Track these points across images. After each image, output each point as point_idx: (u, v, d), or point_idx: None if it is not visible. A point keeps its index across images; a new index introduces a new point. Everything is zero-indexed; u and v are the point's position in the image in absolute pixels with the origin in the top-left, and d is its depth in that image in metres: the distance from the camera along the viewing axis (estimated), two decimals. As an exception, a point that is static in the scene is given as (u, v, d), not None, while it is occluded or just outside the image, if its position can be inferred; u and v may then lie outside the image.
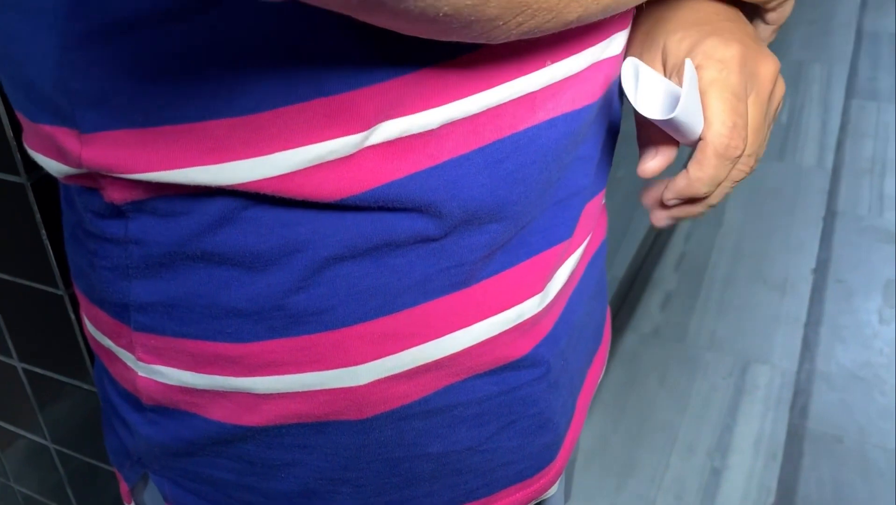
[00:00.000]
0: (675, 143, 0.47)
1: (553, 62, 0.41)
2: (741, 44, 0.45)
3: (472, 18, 0.30)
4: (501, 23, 0.31)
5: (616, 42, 0.45)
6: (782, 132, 2.76)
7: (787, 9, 0.51)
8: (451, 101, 0.38)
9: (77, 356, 0.81)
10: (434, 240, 0.42)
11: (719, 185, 0.46)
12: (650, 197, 0.50)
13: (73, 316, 0.78)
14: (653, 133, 0.47)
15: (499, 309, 0.46)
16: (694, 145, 0.45)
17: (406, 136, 0.38)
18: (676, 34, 0.46)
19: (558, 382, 0.51)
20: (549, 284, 0.48)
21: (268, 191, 0.38)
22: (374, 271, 0.41)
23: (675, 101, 0.43)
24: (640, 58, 0.48)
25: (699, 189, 0.46)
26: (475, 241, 0.43)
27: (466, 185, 0.41)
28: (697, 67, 0.44)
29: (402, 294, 0.42)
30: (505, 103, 0.40)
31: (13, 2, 0.37)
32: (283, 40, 0.35)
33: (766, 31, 0.53)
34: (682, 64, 0.45)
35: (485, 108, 0.40)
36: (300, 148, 0.37)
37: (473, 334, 0.45)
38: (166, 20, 0.34)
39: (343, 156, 0.37)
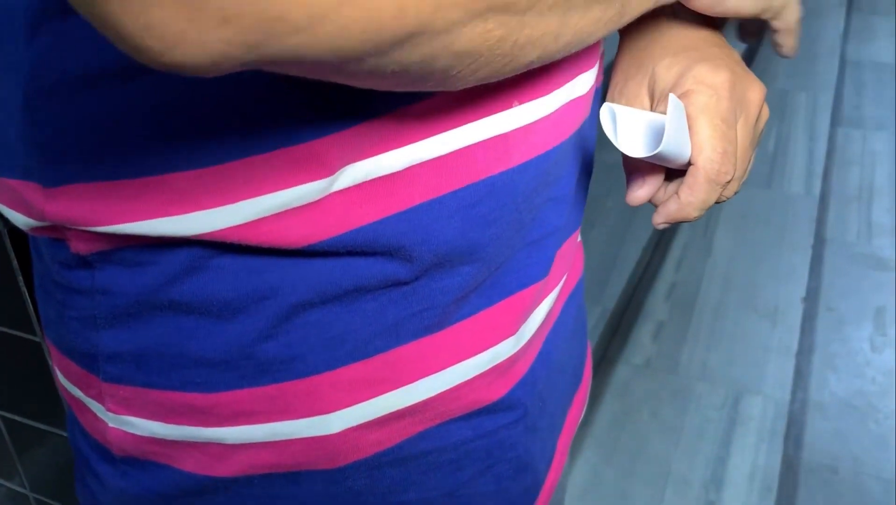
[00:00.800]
0: (662, 169, 0.47)
1: (520, 103, 0.41)
2: (730, 70, 0.45)
3: (424, 73, 0.30)
4: (455, 72, 0.31)
5: (582, 82, 0.46)
6: (769, 160, 2.78)
7: (788, 15, 0.50)
8: (415, 142, 0.38)
9: (55, 403, 0.80)
10: (405, 283, 0.41)
11: (707, 208, 0.46)
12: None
13: (51, 363, 0.77)
14: (638, 161, 0.47)
15: (472, 352, 0.45)
16: (684, 168, 0.45)
17: (372, 179, 0.38)
18: (664, 60, 0.47)
19: (536, 424, 0.50)
20: (523, 326, 0.48)
21: (234, 239, 0.37)
22: (345, 317, 0.41)
23: (658, 133, 0.43)
24: (627, 84, 0.48)
25: (690, 213, 0.45)
26: (447, 283, 0.43)
27: (438, 229, 0.41)
28: (688, 93, 0.44)
29: (374, 339, 0.42)
30: (474, 145, 0.40)
31: None
32: (245, 95, 0.35)
33: (780, 36, 0.52)
34: (674, 90, 0.45)
35: (453, 150, 0.40)
36: (265, 196, 0.36)
37: (447, 378, 0.45)
38: (129, 76, 0.34)
39: (309, 202, 0.37)
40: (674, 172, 0.47)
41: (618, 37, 0.51)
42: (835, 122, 3.06)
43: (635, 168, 0.48)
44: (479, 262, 0.43)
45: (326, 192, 0.37)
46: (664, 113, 0.44)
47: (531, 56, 0.33)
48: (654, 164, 0.47)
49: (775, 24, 0.50)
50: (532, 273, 0.47)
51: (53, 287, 0.44)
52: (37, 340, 0.76)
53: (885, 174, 2.73)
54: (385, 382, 0.43)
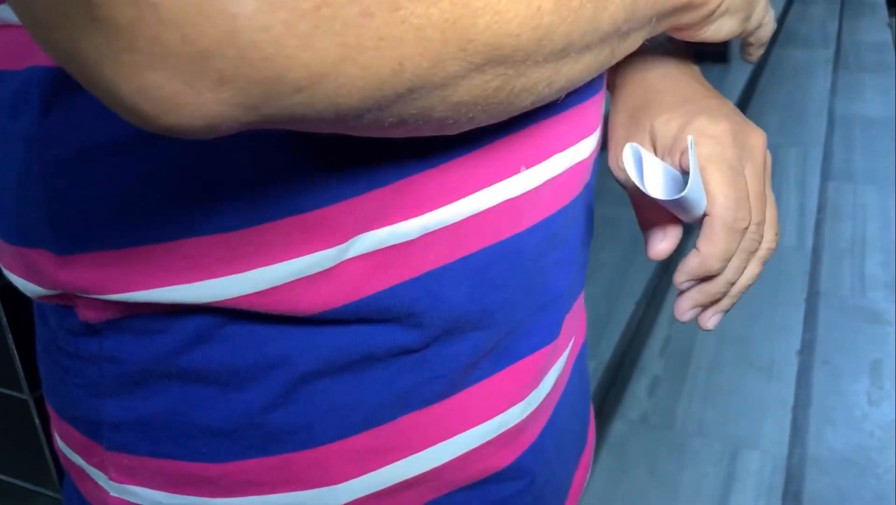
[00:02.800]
0: (680, 221, 0.47)
1: (527, 167, 0.42)
2: (728, 119, 0.46)
3: (420, 122, 0.29)
4: (451, 121, 0.31)
5: (585, 146, 0.46)
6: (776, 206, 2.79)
7: (762, 33, 0.51)
8: (429, 211, 0.38)
9: (42, 463, 0.79)
10: (415, 351, 0.41)
11: (730, 259, 0.45)
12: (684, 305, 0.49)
13: (38, 421, 0.76)
14: (655, 215, 0.47)
15: (481, 419, 0.45)
16: (697, 222, 0.45)
17: (386, 247, 0.38)
18: (662, 116, 0.47)
19: (543, 491, 0.50)
20: (533, 392, 0.47)
21: (245, 306, 0.37)
22: (354, 386, 0.41)
23: (676, 181, 0.43)
24: (629, 141, 0.48)
25: (713, 265, 0.45)
26: (458, 350, 0.42)
27: (449, 295, 0.40)
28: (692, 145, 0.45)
29: (384, 408, 0.41)
30: (484, 211, 0.40)
31: None
32: (256, 160, 0.35)
33: (751, 48, 0.53)
34: (676, 144, 0.45)
35: (465, 217, 0.40)
36: (277, 264, 0.36)
37: (455, 446, 0.44)
38: (142, 144, 0.34)
39: (321, 270, 0.37)
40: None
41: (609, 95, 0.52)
42: (825, 176, 3.10)
43: (652, 222, 0.47)
44: (490, 327, 0.43)
45: (339, 260, 0.37)
46: (674, 166, 0.44)
47: (525, 102, 0.33)
48: (671, 217, 0.46)
49: (750, 39, 0.51)
50: (542, 337, 0.47)
51: (58, 353, 0.44)
52: (24, 397, 0.75)
53: (876, 227, 2.75)
54: (393, 450, 0.42)
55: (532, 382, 0.47)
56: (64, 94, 0.35)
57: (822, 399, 1.98)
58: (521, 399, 0.46)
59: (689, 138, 0.42)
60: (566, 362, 0.51)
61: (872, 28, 5.10)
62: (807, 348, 2.17)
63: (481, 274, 0.41)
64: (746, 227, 0.45)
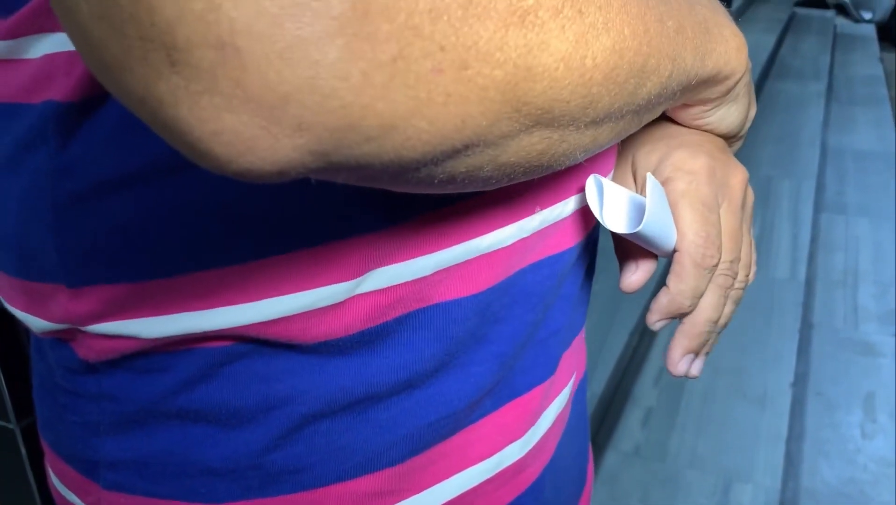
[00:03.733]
0: (654, 255, 0.47)
1: (542, 209, 0.42)
2: (709, 155, 0.46)
3: (467, 181, 0.30)
4: (495, 181, 0.32)
5: None
6: (754, 246, 2.80)
7: (746, 127, 0.52)
8: (444, 248, 0.39)
9: (27, 493, 0.78)
10: (416, 388, 0.41)
11: (700, 296, 0.46)
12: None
13: (24, 451, 0.76)
14: (631, 246, 0.47)
15: (480, 457, 0.45)
16: (669, 256, 0.45)
17: (399, 284, 0.38)
18: (644, 147, 0.47)
19: (542, 532, 0.50)
20: (531, 429, 0.47)
21: (255, 335, 0.37)
22: (355, 428, 0.40)
23: (641, 213, 0.43)
24: (613, 172, 0.48)
25: (682, 302, 0.45)
26: (459, 387, 0.42)
27: (454, 329, 0.40)
28: (668, 179, 0.45)
29: (384, 451, 0.41)
30: (498, 250, 0.41)
31: (4, 161, 0.38)
32: (271, 194, 0.35)
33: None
34: (655, 177, 0.45)
35: (479, 254, 0.40)
36: (289, 295, 0.36)
37: (455, 485, 0.44)
38: (157, 178, 0.34)
39: (334, 303, 0.37)
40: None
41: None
42: (818, 207, 3.12)
43: (627, 254, 0.48)
44: (492, 361, 0.43)
45: (352, 294, 0.37)
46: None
47: (560, 167, 0.34)
48: (646, 250, 0.47)
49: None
50: (538, 374, 0.47)
51: (56, 390, 0.44)
52: (10, 427, 0.75)
53: (868, 259, 2.76)
54: (393, 493, 0.42)
55: (530, 419, 0.47)
56: (81, 128, 0.35)
57: (815, 431, 1.98)
58: (520, 436, 0.46)
59: (648, 175, 0.42)
60: (567, 400, 0.51)
61: (864, 62, 5.16)
62: (800, 380, 2.17)
63: (486, 308, 0.41)
64: (716, 265, 0.45)
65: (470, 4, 0.24)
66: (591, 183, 0.42)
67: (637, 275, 0.47)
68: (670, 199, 0.44)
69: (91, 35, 0.22)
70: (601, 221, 0.42)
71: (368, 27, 0.22)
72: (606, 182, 0.43)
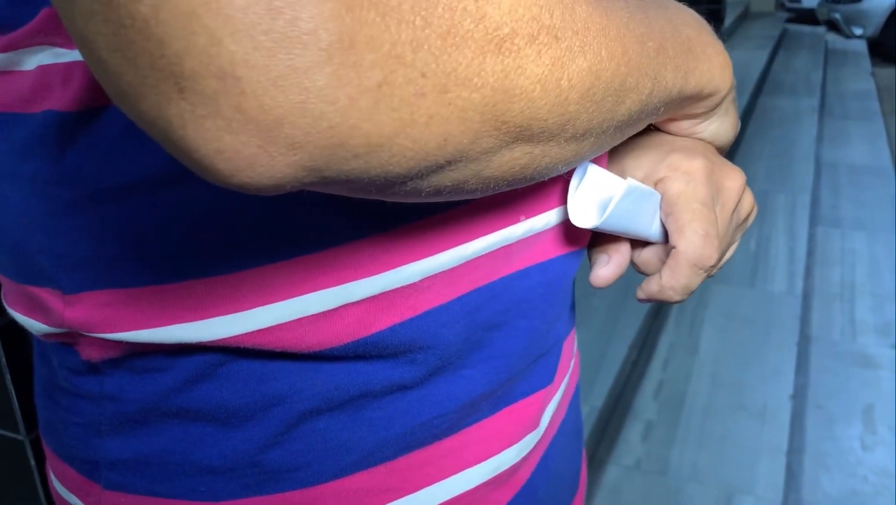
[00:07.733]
0: (627, 249, 0.47)
1: (527, 217, 0.43)
2: (705, 157, 0.46)
3: (452, 193, 0.31)
4: (479, 193, 0.33)
5: None
6: (751, 260, 2.81)
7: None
8: (430, 255, 0.39)
9: (36, 504, 0.78)
10: (410, 389, 0.42)
11: (691, 293, 0.46)
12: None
13: (33, 463, 0.76)
14: (602, 237, 0.48)
15: (477, 460, 0.45)
16: (650, 242, 0.45)
17: (388, 291, 0.39)
18: (634, 151, 0.48)
19: (536, 533, 0.50)
20: (530, 434, 0.48)
21: (248, 345, 0.38)
22: (350, 425, 0.41)
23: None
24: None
25: (671, 296, 0.46)
26: (451, 389, 0.43)
27: (444, 334, 0.41)
28: (663, 179, 0.45)
29: (380, 449, 0.42)
30: (482, 256, 0.41)
31: (3, 168, 0.38)
32: (262, 204, 0.36)
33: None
34: (645, 180, 0.46)
35: (465, 261, 0.41)
36: (281, 303, 0.37)
37: (451, 487, 0.44)
38: (152, 188, 0.35)
39: (325, 310, 0.38)
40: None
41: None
42: (813, 221, 3.13)
43: (598, 244, 0.48)
44: (484, 365, 0.43)
45: (343, 302, 0.38)
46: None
47: (544, 178, 0.35)
48: (619, 241, 0.47)
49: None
50: (537, 382, 0.47)
51: (58, 392, 0.44)
52: (20, 438, 0.75)
53: (865, 272, 2.77)
54: (390, 491, 0.42)
55: (530, 425, 0.47)
56: (79, 138, 0.36)
57: (815, 444, 1.98)
58: (518, 441, 0.47)
59: (629, 179, 0.42)
60: (559, 403, 0.52)
61: (856, 77, 5.20)
62: (799, 393, 2.17)
63: (475, 313, 0.42)
64: (713, 266, 0.45)
65: (448, 35, 0.26)
66: (578, 170, 0.42)
67: (608, 269, 0.48)
68: (667, 199, 0.45)
69: (108, 65, 0.24)
70: (568, 212, 0.42)
71: (354, 56, 0.24)
72: (594, 171, 0.43)
